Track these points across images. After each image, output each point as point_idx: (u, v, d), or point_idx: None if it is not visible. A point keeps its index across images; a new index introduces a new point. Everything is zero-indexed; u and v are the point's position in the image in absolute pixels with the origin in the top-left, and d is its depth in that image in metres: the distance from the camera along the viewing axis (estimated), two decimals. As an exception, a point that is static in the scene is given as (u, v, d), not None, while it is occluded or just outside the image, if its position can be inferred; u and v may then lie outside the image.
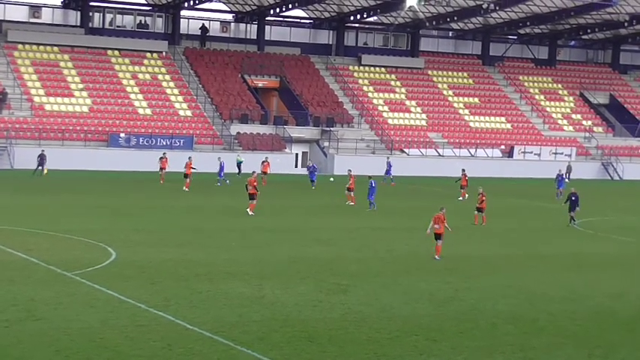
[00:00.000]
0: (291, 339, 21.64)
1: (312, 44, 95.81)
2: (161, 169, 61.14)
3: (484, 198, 45.35)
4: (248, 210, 45.22)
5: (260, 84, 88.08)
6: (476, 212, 45.65)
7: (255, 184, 46.00)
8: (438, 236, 33.76)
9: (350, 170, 54.57)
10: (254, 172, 48.67)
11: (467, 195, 57.58)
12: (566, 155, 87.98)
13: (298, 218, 45.67)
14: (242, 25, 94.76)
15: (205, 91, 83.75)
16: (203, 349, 20.52)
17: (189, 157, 58.81)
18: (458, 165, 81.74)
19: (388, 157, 74.08)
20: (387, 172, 69.62)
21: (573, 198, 46.36)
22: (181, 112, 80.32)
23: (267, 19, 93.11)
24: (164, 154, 63.30)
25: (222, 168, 61.73)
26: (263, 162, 66.23)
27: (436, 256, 33.57)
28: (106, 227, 38.63)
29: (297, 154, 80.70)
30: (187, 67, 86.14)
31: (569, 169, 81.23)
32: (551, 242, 40.81)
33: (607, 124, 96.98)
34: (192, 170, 56.90)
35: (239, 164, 69.05)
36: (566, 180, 78.55)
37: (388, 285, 28.73)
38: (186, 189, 54.52)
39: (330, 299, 26.15)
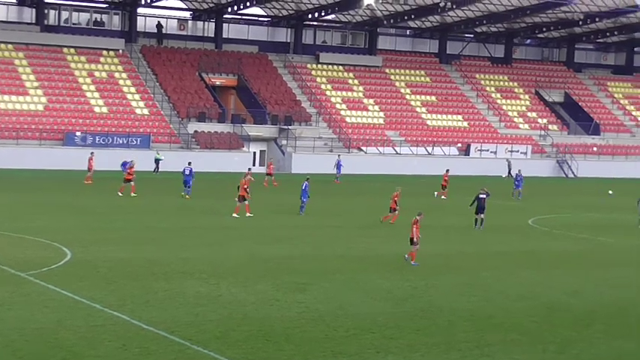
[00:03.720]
0: (248, 338, 21.59)
1: (270, 42, 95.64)
2: (89, 169, 59.96)
3: (397, 198, 44.72)
4: (235, 214, 44.49)
5: (218, 82, 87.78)
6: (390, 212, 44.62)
7: (246, 186, 44.99)
8: (411, 241, 32.83)
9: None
10: (246, 174, 47.91)
11: (444, 196, 57.83)
12: (521, 153, 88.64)
13: (257, 217, 45.53)
14: (200, 23, 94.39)
15: (162, 89, 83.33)
16: (159, 348, 20.41)
17: (132, 161, 56.51)
18: (415, 163, 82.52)
19: (339, 155, 74.14)
20: (338, 170, 69.78)
21: (482, 196, 43.81)
22: (138, 111, 79.84)
23: (224, 17, 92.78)
24: (92, 153, 61.98)
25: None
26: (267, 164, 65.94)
27: (412, 262, 32.56)
28: (61, 227, 38.30)
29: (255, 153, 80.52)
30: (144, 65, 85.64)
31: (509, 166, 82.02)
32: (508, 240, 41.08)
33: (562, 122, 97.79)
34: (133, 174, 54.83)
35: (157, 161, 68.62)
36: (503, 176, 79.28)
37: (346, 283, 28.77)
38: (133, 193, 52.48)
39: (287, 297, 26.14)
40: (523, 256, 36.54)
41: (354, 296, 26.86)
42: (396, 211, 44.06)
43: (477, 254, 36.46)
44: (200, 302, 24.99)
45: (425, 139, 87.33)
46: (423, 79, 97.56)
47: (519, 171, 63.03)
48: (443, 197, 57.86)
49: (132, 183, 52.40)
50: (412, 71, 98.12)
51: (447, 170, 61.57)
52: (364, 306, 25.71)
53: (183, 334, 21.55)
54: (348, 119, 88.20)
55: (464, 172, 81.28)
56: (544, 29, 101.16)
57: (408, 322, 23.80)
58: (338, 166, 70.41)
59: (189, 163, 53.44)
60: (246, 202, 44.77)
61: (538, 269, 33.42)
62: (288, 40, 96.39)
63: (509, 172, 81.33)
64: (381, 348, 21.30)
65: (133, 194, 51.55)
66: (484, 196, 43.69)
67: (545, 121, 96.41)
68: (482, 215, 43.45)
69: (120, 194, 51.66)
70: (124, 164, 62.69)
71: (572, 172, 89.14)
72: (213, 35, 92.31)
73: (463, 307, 26.10)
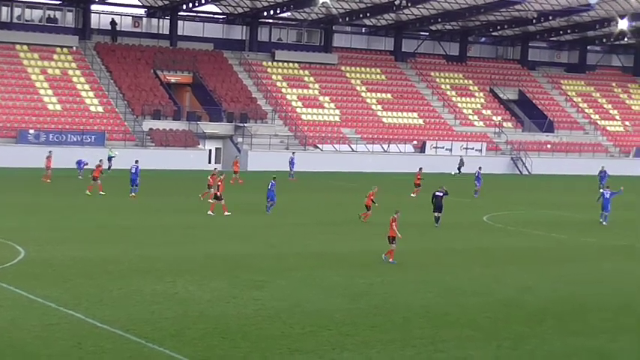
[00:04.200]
0: (204, 335, 21.56)
1: (225, 40, 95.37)
2: (47, 167, 59.62)
3: (373, 197, 44.93)
4: (210, 212, 44.48)
5: (173, 79, 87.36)
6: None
7: (219, 183, 44.85)
8: (391, 239, 32.63)
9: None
10: (216, 169, 47.67)
11: (414, 194, 57.96)
12: (476, 150, 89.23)
13: (216, 215, 45.38)
14: (154, 20, 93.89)
15: (117, 86, 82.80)
16: (114, 346, 20.32)
17: (101, 160, 56.23)
18: (371, 161, 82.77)
19: (293, 153, 74.17)
20: (291, 167, 69.79)
21: (439, 194, 43.95)
22: (92, 108, 79.26)
23: (179, 14, 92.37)
24: (50, 152, 61.62)
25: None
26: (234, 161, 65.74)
27: (390, 260, 32.39)
28: (14, 225, 37.95)
29: (210, 150, 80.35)
30: (98, 63, 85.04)
31: (461, 163, 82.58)
32: (463, 237, 41.31)
33: (516, 120, 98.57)
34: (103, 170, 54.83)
35: (110, 159, 68.33)
36: (452, 173, 79.77)
37: (302, 280, 28.82)
38: (102, 192, 52.21)
39: (244, 295, 26.12)
40: (478, 252, 36.80)
41: (311, 293, 26.91)
42: (369, 210, 44.17)
43: (432, 251, 36.66)
44: (156, 300, 24.89)
45: (380, 136, 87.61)
46: (378, 76, 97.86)
47: (480, 168, 63.12)
48: (413, 195, 57.88)
49: (99, 182, 51.97)
50: (368, 69, 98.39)
51: (420, 169, 61.76)
52: (321, 303, 25.77)
53: (139, 332, 21.47)
54: (303, 117, 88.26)
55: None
56: (498, 27, 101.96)
57: (363, 319, 23.88)
58: (291, 163, 70.47)
59: (137, 162, 52.90)
60: (222, 202, 44.60)
61: (492, 266, 33.67)
62: (244, 38, 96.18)
63: (459, 170, 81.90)
64: (337, 345, 21.36)
65: (101, 193, 51.09)
66: (440, 194, 43.88)
67: (499, 118, 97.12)
68: (439, 213, 43.57)
69: (88, 193, 51.13)
70: (79, 162, 62.32)
71: (527, 169, 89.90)
72: (168, 32, 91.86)
73: (418, 303, 26.24)
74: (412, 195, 57.85)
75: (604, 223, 47.55)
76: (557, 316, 25.51)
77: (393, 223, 32.60)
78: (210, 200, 46.30)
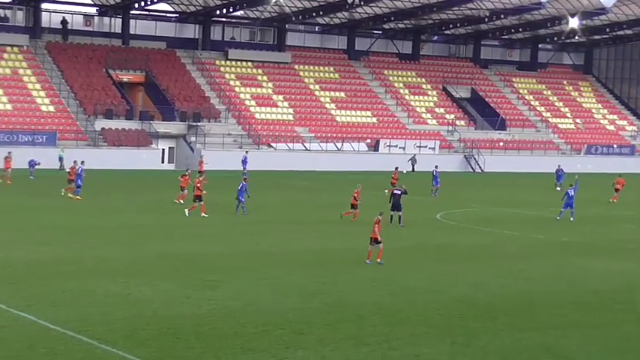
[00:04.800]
0: (157, 336, 21.49)
1: (177, 38, 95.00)
2: (6, 169, 59.05)
3: (357, 195, 45.09)
4: (186, 210, 44.20)
5: (125, 79, 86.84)
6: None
7: (198, 184, 44.60)
8: (375, 241, 32.29)
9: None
10: (188, 170, 47.40)
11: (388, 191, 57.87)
12: (429, 148, 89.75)
13: (168, 215, 45.24)
14: (106, 19, 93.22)
15: (69, 85, 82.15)
16: (66, 348, 20.19)
17: (75, 161, 55.26)
18: (325, 159, 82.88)
19: (246, 152, 74.01)
20: (244, 166, 69.66)
21: (397, 192, 43.93)
22: (44, 108, 78.58)
23: (131, 12, 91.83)
24: (9, 153, 61.02)
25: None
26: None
27: (377, 260, 32.15)
28: (-35, 226, 37.54)
29: (163, 150, 79.98)
30: (50, 62, 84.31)
31: (413, 161, 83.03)
32: (416, 234, 41.51)
33: (469, 118, 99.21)
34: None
35: (61, 158, 67.66)
36: (404, 171, 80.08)
37: (256, 279, 28.81)
38: (71, 195, 51.32)
39: (197, 295, 26.07)
40: (431, 250, 37.03)
41: (264, 292, 26.91)
42: (357, 208, 44.11)
43: (385, 249, 36.75)
44: (108, 301, 24.76)
45: (334, 135, 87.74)
46: (331, 75, 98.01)
47: (436, 167, 63.23)
48: (387, 192, 57.71)
49: (72, 184, 51.27)
50: (321, 67, 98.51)
51: (396, 168, 61.90)
52: (274, 302, 25.79)
53: (92, 333, 21.34)
54: (257, 115, 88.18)
55: (373, 167, 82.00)
56: (451, 26, 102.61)
57: (317, 317, 23.94)
58: (244, 162, 70.35)
59: (82, 162, 52.19)
60: (202, 202, 44.31)
61: (445, 263, 33.89)
62: (197, 37, 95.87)
63: (412, 168, 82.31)
64: (291, 343, 21.40)
65: (70, 195, 50.39)
66: (399, 192, 43.97)
67: (452, 116, 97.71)
68: (399, 212, 43.35)
69: (70, 195, 50.29)
70: (31, 162, 61.74)
71: (479, 167, 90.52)
72: (120, 31, 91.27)
73: (372, 301, 26.35)
74: (386, 192, 57.82)
75: (571, 219, 48.19)
76: (508, 312, 25.76)
77: (376, 225, 32.36)
78: (180, 201, 45.58)
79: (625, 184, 61.52)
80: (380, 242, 32.16)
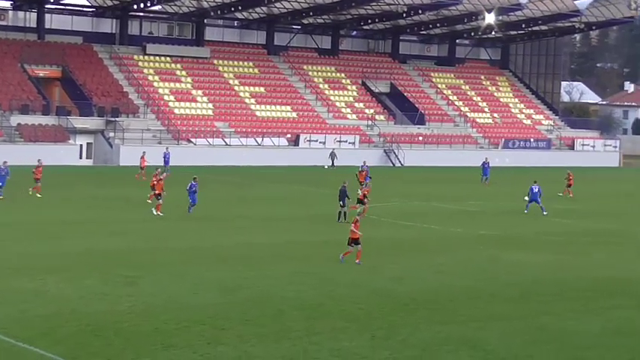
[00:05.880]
0: (76, 333, 21.25)
1: (94, 33, 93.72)
2: None
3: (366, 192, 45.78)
4: (154, 210, 43.61)
5: (41, 74, 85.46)
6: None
7: (155, 180, 44.10)
8: (354, 241, 31.97)
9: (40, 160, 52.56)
10: (158, 169, 46.68)
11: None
12: (349, 143, 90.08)
13: (87, 211, 44.65)
14: (21, 13, 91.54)
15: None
16: (-17, 348, 19.87)
17: (39, 160, 54.00)
18: (245, 154, 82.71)
19: (167, 148, 73.45)
20: (166, 162, 68.92)
21: (342, 188, 43.98)
22: (-43, 103, 77.04)
23: (47, 6, 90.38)
24: None
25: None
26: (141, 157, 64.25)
27: (356, 261, 31.77)
28: None
29: (81, 145, 78.95)
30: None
31: (332, 156, 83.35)
32: (335, 229, 41.62)
33: (388, 113, 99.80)
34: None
35: None
36: (325, 167, 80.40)
37: (176, 275, 28.67)
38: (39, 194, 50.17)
39: (116, 291, 25.84)
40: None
41: (185, 288, 26.79)
42: (366, 204, 44.99)
43: (307, 244, 36.88)
44: (26, 299, 24.41)
45: (254, 130, 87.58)
46: (251, 70, 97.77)
47: (364, 163, 63.29)
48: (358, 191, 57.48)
49: (39, 183, 50.13)
50: (240, 62, 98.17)
51: (364, 162, 62.37)
52: (194, 297, 25.69)
53: (9, 331, 21.02)
54: (176, 111, 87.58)
55: (294, 162, 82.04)
56: (369, 21, 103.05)
57: (238, 313, 23.90)
58: (165, 158, 69.71)
59: (5, 163, 51.13)
60: (159, 201, 43.73)
61: (366, 257, 33.97)
62: (114, 31, 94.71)
63: (332, 163, 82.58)
64: (212, 339, 21.33)
65: (38, 194, 49.23)
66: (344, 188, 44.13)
67: (372, 111, 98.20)
68: (345, 208, 43.50)
69: (38, 195, 49.24)
70: None
71: (399, 161, 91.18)
72: (35, 25, 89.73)
73: (292, 295, 26.40)
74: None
75: (544, 213, 49.03)
76: (428, 305, 26.02)
77: (354, 225, 32.15)
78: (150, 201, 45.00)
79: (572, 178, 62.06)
80: (359, 243, 31.91)
